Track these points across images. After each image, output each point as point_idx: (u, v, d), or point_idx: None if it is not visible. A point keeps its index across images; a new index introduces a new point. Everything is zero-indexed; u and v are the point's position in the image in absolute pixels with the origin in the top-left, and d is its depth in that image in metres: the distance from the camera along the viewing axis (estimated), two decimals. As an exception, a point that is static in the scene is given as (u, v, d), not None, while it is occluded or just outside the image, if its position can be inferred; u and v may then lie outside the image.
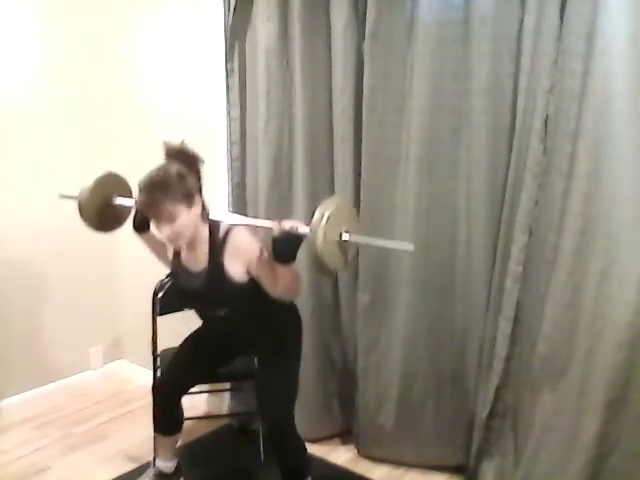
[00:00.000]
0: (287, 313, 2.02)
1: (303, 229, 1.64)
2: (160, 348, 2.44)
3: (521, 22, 1.97)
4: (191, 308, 2.11)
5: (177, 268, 1.97)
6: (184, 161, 1.80)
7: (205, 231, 1.85)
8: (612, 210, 1.84)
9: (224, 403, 2.83)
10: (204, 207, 1.85)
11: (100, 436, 2.73)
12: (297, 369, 2.05)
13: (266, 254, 1.78)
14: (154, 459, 2.27)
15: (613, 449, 1.92)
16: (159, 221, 1.76)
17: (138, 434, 2.67)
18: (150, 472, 2.24)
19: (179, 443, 2.25)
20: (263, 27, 2.44)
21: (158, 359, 2.43)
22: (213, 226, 1.86)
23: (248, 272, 1.83)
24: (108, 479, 2.39)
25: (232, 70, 2.57)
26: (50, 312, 3.01)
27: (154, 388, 2.16)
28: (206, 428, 2.73)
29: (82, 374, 3.21)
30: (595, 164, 1.85)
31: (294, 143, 2.49)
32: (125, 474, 2.41)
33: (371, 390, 2.48)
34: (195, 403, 2.80)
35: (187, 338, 2.16)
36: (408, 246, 1.65)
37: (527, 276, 2.08)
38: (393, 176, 2.30)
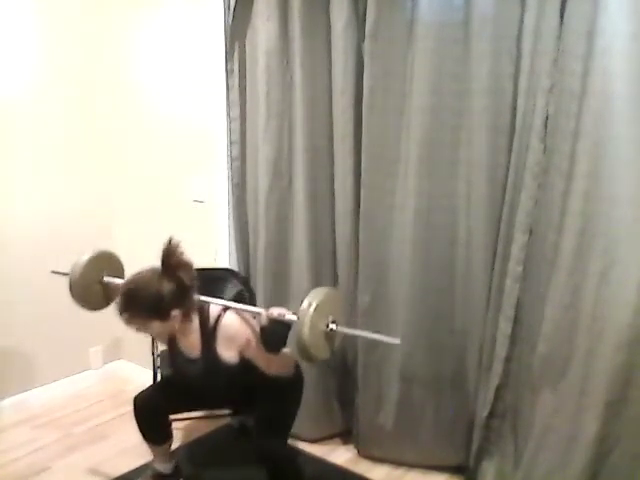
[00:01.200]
0: (287, 381, 2.00)
1: (290, 317, 1.69)
2: (160, 348, 2.44)
3: (521, 22, 1.97)
4: (190, 391, 2.06)
5: (173, 351, 1.99)
6: (174, 269, 1.79)
7: (195, 322, 1.87)
8: (612, 210, 1.84)
9: (224, 403, 2.83)
10: (189, 311, 1.84)
11: (100, 436, 2.73)
12: (294, 419, 2.05)
13: (257, 341, 1.80)
14: (152, 461, 2.27)
15: (613, 449, 1.92)
16: (134, 328, 1.84)
17: (138, 434, 2.66)
18: (149, 473, 2.24)
19: (176, 443, 2.25)
20: (263, 27, 2.44)
21: (158, 359, 2.43)
22: (203, 314, 1.88)
23: (241, 356, 1.86)
24: (108, 479, 2.39)
25: (232, 70, 2.57)
26: (50, 312, 3.01)
27: (135, 401, 2.11)
28: (206, 428, 2.73)
29: (82, 374, 3.21)
30: (595, 164, 1.85)
31: (294, 143, 2.49)
32: (125, 474, 2.41)
33: (371, 390, 2.48)
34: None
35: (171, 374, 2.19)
36: (394, 340, 1.70)
37: (527, 276, 2.08)
38: (393, 176, 2.30)
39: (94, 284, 2.14)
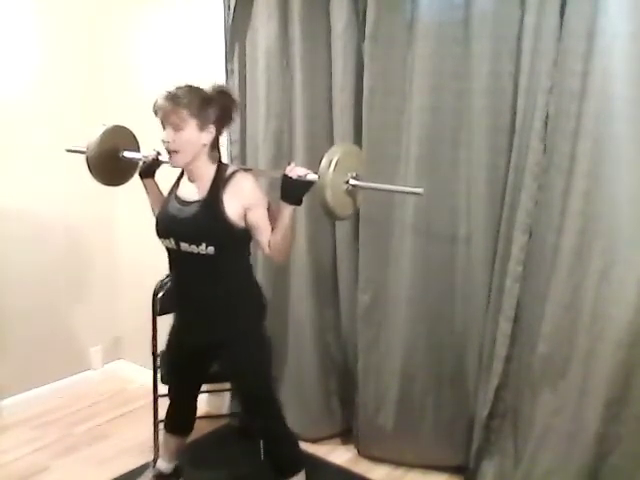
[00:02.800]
0: (254, 287, 2.01)
1: (312, 176, 1.70)
2: (160, 348, 2.44)
3: (521, 22, 1.97)
4: (168, 239, 1.92)
5: (169, 198, 1.94)
6: (221, 96, 1.83)
7: (212, 169, 1.86)
8: (612, 210, 1.84)
9: (224, 403, 2.83)
10: (218, 141, 1.86)
11: (100, 436, 2.73)
12: (269, 366, 2.01)
13: (267, 204, 1.80)
14: (154, 459, 2.27)
15: (613, 449, 1.92)
16: (167, 122, 1.78)
17: (138, 434, 2.67)
18: (150, 473, 2.25)
19: (183, 446, 2.25)
20: (263, 27, 2.44)
21: (158, 359, 2.43)
22: (221, 166, 1.88)
23: (245, 217, 1.82)
24: (108, 479, 2.39)
25: (232, 70, 2.57)
26: (50, 312, 3.01)
27: (169, 388, 2.17)
28: (206, 428, 2.73)
29: (82, 374, 3.21)
30: (595, 164, 1.85)
31: (294, 143, 2.49)
32: (125, 474, 2.41)
33: (371, 390, 2.48)
34: (195, 403, 2.80)
35: (168, 345, 2.14)
36: (417, 190, 1.69)
37: (527, 276, 2.08)
38: (393, 176, 2.30)
39: (111, 159, 2.11)
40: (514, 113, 2.04)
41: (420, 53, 2.14)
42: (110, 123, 2.17)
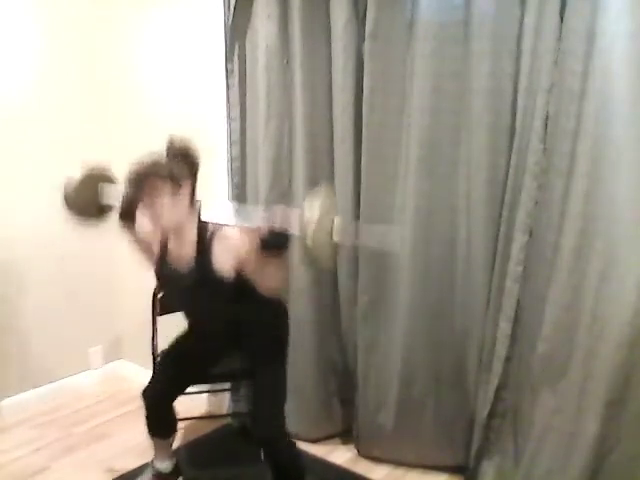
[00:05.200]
0: (275, 311, 2.01)
1: (293, 229, 1.65)
2: (160, 348, 2.44)
3: (521, 22, 1.97)
4: (178, 304, 2.05)
5: (163, 267, 1.96)
6: (181, 158, 1.82)
7: (194, 227, 1.86)
8: (612, 210, 1.84)
9: (224, 403, 2.83)
10: (193, 202, 1.86)
11: (100, 436, 2.73)
12: (284, 379, 2.03)
13: (256, 247, 1.76)
14: (153, 460, 2.27)
15: (613, 449, 1.92)
16: (143, 196, 1.78)
17: (138, 434, 2.66)
18: (149, 472, 2.25)
19: (176, 443, 2.25)
20: (263, 26, 2.44)
21: (158, 359, 2.43)
22: (201, 225, 1.87)
23: (237, 267, 1.82)
24: (108, 479, 2.39)
25: (232, 70, 2.57)
26: (50, 312, 3.01)
27: (143, 394, 2.11)
28: (206, 428, 2.73)
29: (82, 374, 3.21)
30: (595, 164, 1.85)
31: (294, 143, 2.49)
32: (125, 474, 2.41)
33: (371, 390, 2.48)
34: (195, 403, 2.80)
35: (172, 344, 2.14)
36: (392, 246, 1.65)
37: (527, 276, 2.08)
38: (393, 176, 2.30)
39: (90, 198, 2.10)
40: (514, 113, 2.04)
41: (420, 53, 2.14)
42: (90, 165, 2.14)
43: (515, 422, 2.21)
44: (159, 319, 2.44)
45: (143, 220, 1.83)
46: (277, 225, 1.67)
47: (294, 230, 1.64)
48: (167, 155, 1.82)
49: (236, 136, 2.62)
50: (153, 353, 2.43)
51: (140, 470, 2.35)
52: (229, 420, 2.78)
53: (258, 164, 2.57)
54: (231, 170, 2.66)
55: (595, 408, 1.91)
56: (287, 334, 2.06)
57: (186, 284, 1.88)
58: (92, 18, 3.00)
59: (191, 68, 2.75)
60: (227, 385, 2.75)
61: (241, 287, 1.82)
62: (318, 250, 1.59)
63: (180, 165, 1.80)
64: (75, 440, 2.70)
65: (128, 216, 2.00)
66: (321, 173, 2.47)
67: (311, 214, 1.58)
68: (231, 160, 2.66)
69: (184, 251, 1.88)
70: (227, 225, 1.87)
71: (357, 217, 2.37)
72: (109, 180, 2.14)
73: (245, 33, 2.54)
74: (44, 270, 2.97)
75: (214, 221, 1.89)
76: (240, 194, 2.68)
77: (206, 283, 1.85)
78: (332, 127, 2.41)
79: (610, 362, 1.87)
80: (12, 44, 2.75)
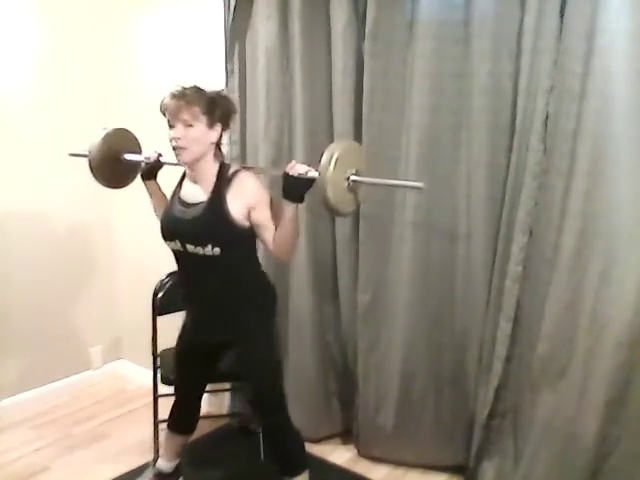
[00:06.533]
0: (264, 284, 2.01)
1: (312, 173, 1.69)
2: (160, 348, 2.44)
3: (521, 22, 1.97)
4: (173, 241, 1.93)
5: (173, 200, 1.95)
6: (224, 103, 1.85)
7: (215, 167, 1.86)
8: (612, 210, 1.84)
9: (224, 403, 2.83)
10: (220, 149, 1.89)
11: (100, 436, 2.73)
12: (279, 365, 2.06)
13: (270, 201, 1.81)
14: (154, 459, 2.27)
15: (613, 449, 1.92)
16: (176, 119, 1.80)
17: (138, 434, 2.67)
18: (150, 472, 2.25)
19: (186, 444, 2.25)
20: (263, 27, 2.44)
21: (158, 359, 2.43)
22: (223, 166, 1.88)
23: (249, 216, 1.82)
24: (108, 479, 2.39)
25: (232, 70, 2.57)
26: (50, 312, 3.01)
27: (176, 388, 2.17)
28: (206, 428, 2.73)
29: (82, 374, 3.21)
30: (595, 164, 1.85)
31: (294, 143, 2.49)
32: (125, 474, 2.41)
33: (371, 390, 2.48)
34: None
35: (178, 343, 2.14)
36: (418, 184, 1.70)
37: (527, 276, 2.08)
38: (393, 176, 2.30)
39: (114, 161, 2.13)
40: (514, 113, 2.04)
41: (420, 53, 2.14)
42: (111, 126, 2.18)
43: (515, 422, 2.21)
44: (159, 319, 2.44)
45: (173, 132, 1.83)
46: (297, 172, 1.72)
47: (313, 174, 1.68)
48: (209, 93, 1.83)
49: (236, 136, 2.62)
50: (153, 353, 2.43)
51: (140, 470, 2.35)
52: (229, 420, 2.78)
53: (258, 164, 2.57)
54: (231, 170, 2.66)
55: (595, 408, 1.91)
56: (274, 310, 2.04)
57: (192, 219, 1.84)
58: (92, 17, 2.99)
59: (191, 68, 2.75)
60: (227, 385, 2.75)
61: (242, 241, 1.84)
62: (336, 194, 1.63)
63: (221, 107, 1.82)
64: (75, 440, 2.70)
65: (150, 173, 2.08)
66: (321, 173, 2.47)
67: (329, 158, 1.61)
68: (231, 160, 2.65)
69: (202, 185, 1.86)
70: (249, 167, 1.89)
71: (357, 217, 2.38)
72: (132, 142, 2.19)
73: (245, 33, 2.54)
74: (44, 270, 2.97)
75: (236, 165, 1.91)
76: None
77: (212, 220, 1.82)
78: (332, 127, 2.41)
79: (610, 362, 1.87)
80: (12, 43, 2.75)
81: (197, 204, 1.85)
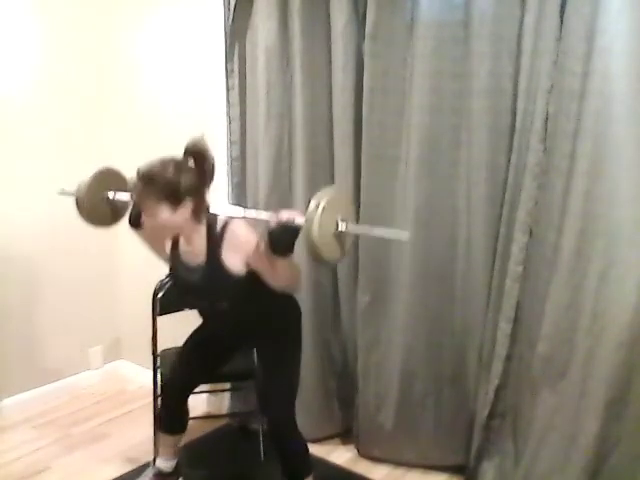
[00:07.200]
0: (287, 305, 2.02)
1: (299, 220, 1.62)
2: (160, 348, 2.44)
3: (521, 22, 1.97)
4: (192, 303, 2.09)
5: (175, 263, 1.96)
6: (195, 158, 1.79)
7: (202, 227, 1.84)
8: (612, 210, 1.84)
9: (224, 403, 2.83)
10: (200, 207, 1.80)
11: (100, 436, 2.73)
12: (298, 366, 2.06)
13: (264, 246, 1.74)
14: (154, 459, 2.27)
15: (613, 449, 1.92)
16: (143, 211, 1.78)
17: (138, 434, 2.67)
18: (150, 472, 2.25)
19: (180, 443, 2.25)
20: (263, 26, 2.44)
21: (158, 359, 2.43)
22: (211, 220, 1.85)
23: (247, 265, 1.81)
24: (108, 479, 2.39)
25: (232, 70, 2.57)
26: (50, 312, 3.01)
27: (163, 387, 2.17)
28: (206, 428, 2.73)
29: (82, 374, 3.21)
30: (595, 164, 1.85)
31: (294, 143, 2.49)
32: (125, 474, 2.42)
33: (371, 390, 2.48)
34: (195, 403, 2.79)
35: (188, 338, 2.15)
36: (403, 235, 1.65)
37: (527, 276, 2.08)
38: (393, 176, 2.30)
39: (101, 201, 2.11)
40: (514, 113, 2.04)
41: (420, 53, 2.14)
42: (102, 165, 2.15)
43: (515, 422, 2.21)
44: (159, 319, 2.43)
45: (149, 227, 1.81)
46: (284, 219, 1.63)
47: (300, 221, 1.61)
48: (186, 153, 1.79)
49: (236, 136, 2.63)
50: (153, 353, 2.43)
51: (140, 470, 2.35)
52: (229, 420, 2.78)
53: (258, 164, 2.57)
54: (231, 170, 2.67)
55: (595, 408, 1.91)
56: (299, 326, 2.07)
57: (198, 281, 1.87)
58: (91, 18, 2.99)
59: (191, 68, 2.75)
60: (227, 385, 2.75)
61: (252, 283, 1.81)
62: (322, 242, 1.58)
63: (187, 178, 1.74)
64: (75, 440, 2.70)
65: (138, 220, 1.96)
66: (321, 173, 2.47)
67: (317, 205, 1.56)
68: (231, 160, 2.66)
69: (195, 248, 1.86)
70: (236, 217, 1.85)
71: (357, 217, 2.37)
72: (120, 182, 2.14)
73: (245, 33, 2.54)
74: (44, 270, 2.97)
75: (223, 213, 1.87)
76: (240, 194, 2.68)
77: (217, 280, 1.84)
78: (332, 127, 2.41)
79: (610, 362, 1.87)
80: (12, 45, 2.74)
81: (197, 267, 1.87)
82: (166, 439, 2.19)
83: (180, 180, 1.72)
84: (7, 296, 2.84)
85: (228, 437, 2.70)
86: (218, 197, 2.70)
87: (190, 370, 2.15)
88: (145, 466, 2.35)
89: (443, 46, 2.10)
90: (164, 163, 1.75)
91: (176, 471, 2.24)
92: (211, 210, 1.85)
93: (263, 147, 2.52)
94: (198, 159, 1.78)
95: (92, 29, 3.00)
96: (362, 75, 2.25)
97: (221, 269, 1.82)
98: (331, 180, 2.45)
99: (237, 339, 2.14)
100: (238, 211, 1.88)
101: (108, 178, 2.14)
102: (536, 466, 2.09)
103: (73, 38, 2.95)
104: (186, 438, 2.63)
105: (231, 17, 2.49)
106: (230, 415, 2.78)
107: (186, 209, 1.76)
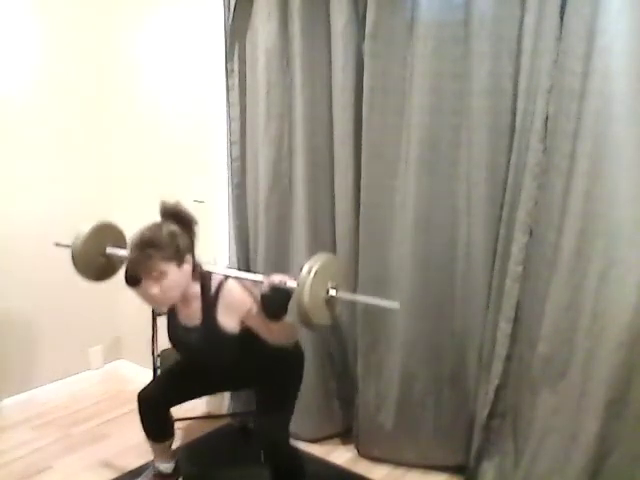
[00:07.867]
0: (287, 357, 2.00)
1: (291, 283, 1.66)
2: (160, 348, 2.44)
3: (521, 22, 1.97)
4: (190, 361, 2.08)
5: (173, 322, 1.97)
6: (178, 221, 1.81)
7: (197, 288, 1.86)
8: (612, 210, 1.84)
9: (224, 403, 2.83)
10: (195, 266, 1.84)
11: (100, 436, 2.73)
12: (295, 399, 2.07)
13: (257, 309, 1.77)
14: (154, 459, 2.27)
15: (613, 449, 1.92)
16: (148, 279, 1.75)
17: (138, 434, 2.64)
18: (149, 472, 2.25)
19: (176, 443, 2.25)
20: (263, 27, 2.44)
21: (158, 359, 2.43)
22: (204, 281, 1.86)
23: (243, 325, 1.84)
24: (108, 479, 2.39)
25: (232, 70, 2.57)
26: (50, 312, 3.01)
27: (138, 397, 2.10)
28: (206, 428, 2.73)
29: (82, 374, 3.21)
30: (595, 164, 1.85)
31: (294, 143, 2.49)
32: (125, 474, 2.41)
33: (371, 390, 2.48)
34: (195, 403, 2.79)
35: (178, 362, 2.15)
36: (394, 304, 1.66)
37: (527, 276, 2.08)
38: (393, 176, 2.30)
39: (97, 255, 2.10)
40: (514, 113, 2.04)
41: (420, 53, 2.14)
42: (99, 220, 2.15)
43: (515, 422, 2.21)
44: (159, 319, 2.44)
45: (149, 292, 1.79)
46: (276, 282, 1.67)
47: (291, 284, 1.65)
48: (165, 217, 1.80)
49: (236, 136, 2.62)
50: (153, 353, 2.44)
51: (140, 470, 2.36)
52: (229, 420, 2.78)
53: (258, 164, 2.57)
54: (231, 170, 2.66)
55: (595, 408, 1.91)
56: (301, 370, 2.08)
57: (196, 342, 1.89)
58: (91, 19, 2.99)
59: (191, 68, 2.75)
60: (227, 385, 2.75)
61: (251, 340, 1.82)
62: (313, 306, 1.59)
63: (181, 237, 1.77)
64: (75, 440, 2.70)
65: (134, 279, 1.90)
66: (321, 173, 2.47)
67: (309, 270, 1.59)
68: (231, 160, 2.66)
69: (191, 310, 1.88)
70: (230, 277, 1.86)
71: (357, 217, 2.38)
72: (117, 236, 2.15)
73: (245, 33, 2.54)
74: (43, 270, 2.97)
75: (216, 270, 1.88)
76: (240, 194, 2.68)
77: (215, 340, 1.86)
78: (332, 127, 2.41)
79: (610, 362, 1.87)
80: (12, 45, 2.74)
81: (194, 327, 1.88)
82: (155, 446, 2.19)
83: (178, 238, 1.77)
84: (7, 296, 2.84)
85: (228, 437, 2.70)
86: (218, 197, 2.71)
87: (173, 391, 2.12)
88: (145, 466, 2.35)
89: (443, 46, 2.10)
90: (154, 228, 1.77)
91: (176, 471, 2.24)
92: (204, 267, 1.87)
93: (263, 147, 2.52)
94: (182, 220, 1.81)
95: (92, 29, 3.01)
96: (362, 75, 2.25)
97: (218, 330, 1.84)
98: (331, 180, 2.46)
99: (235, 387, 2.21)
100: (231, 271, 1.91)
101: (105, 232, 2.14)
102: (536, 466, 2.09)
103: (73, 38, 2.95)
104: (186, 438, 2.64)
105: (231, 17, 2.49)
106: (230, 415, 2.78)
107: (189, 265, 1.80)
